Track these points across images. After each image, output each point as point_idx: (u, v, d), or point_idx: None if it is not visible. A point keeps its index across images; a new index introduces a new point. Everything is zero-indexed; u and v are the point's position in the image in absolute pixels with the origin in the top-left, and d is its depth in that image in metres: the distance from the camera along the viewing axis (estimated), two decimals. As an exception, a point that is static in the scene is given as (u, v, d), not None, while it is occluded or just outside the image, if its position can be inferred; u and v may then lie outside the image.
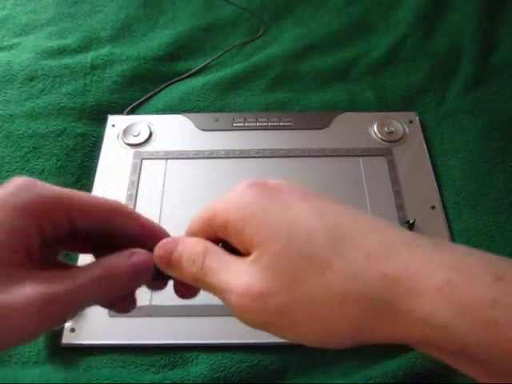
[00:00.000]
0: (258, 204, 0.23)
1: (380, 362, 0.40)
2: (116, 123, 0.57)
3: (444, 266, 0.19)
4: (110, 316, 0.43)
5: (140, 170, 0.52)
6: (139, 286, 0.25)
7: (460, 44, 0.66)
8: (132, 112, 0.60)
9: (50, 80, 0.61)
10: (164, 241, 0.25)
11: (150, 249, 0.25)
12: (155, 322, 0.42)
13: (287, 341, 0.22)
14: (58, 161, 0.53)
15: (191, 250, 0.24)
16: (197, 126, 0.56)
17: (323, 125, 0.56)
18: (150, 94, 0.62)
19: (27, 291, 0.20)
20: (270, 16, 0.72)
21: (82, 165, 0.53)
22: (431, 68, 0.64)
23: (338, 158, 0.53)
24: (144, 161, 0.53)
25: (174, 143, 0.55)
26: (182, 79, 0.64)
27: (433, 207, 0.49)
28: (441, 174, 0.53)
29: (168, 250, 0.25)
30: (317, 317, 0.20)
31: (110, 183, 0.51)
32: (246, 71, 0.63)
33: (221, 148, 0.54)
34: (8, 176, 0.52)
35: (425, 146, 0.55)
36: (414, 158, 0.53)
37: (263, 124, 0.56)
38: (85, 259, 0.25)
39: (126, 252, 0.24)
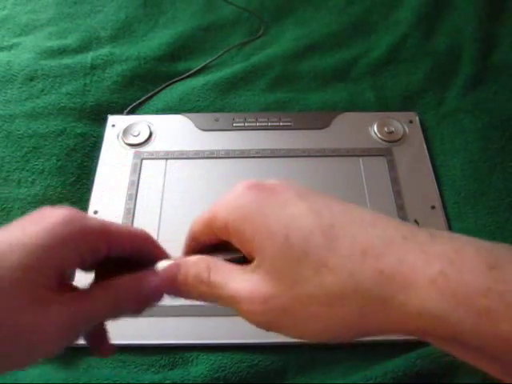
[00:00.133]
0: (256, 204, 0.23)
1: (380, 362, 0.40)
2: (116, 123, 0.57)
3: (439, 257, 0.19)
4: (110, 316, 0.43)
5: (140, 170, 0.52)
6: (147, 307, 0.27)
7: (460, 44, 0.66)
8: (132, 112, 0.60)
9: (50, 80, 0.61)
10: (166, 266, 0.26)
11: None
12: (155, 321, 0.42)
13: (288, 340, 0.22)
14: (58, 161, 0.53)
15: (195, 270, 0.25)
16: (197, 126, 0.56)
17: (323, 125, 0.56)
18: (150, 94, 0.62)
19: (54, 312, 0.23)
20: (269, 16, 0.72)
21: (81, 165, 0.53)
22: (431, 68, 0.64)
23: (338, 158, 0.53)
24: (144, 161, 0.53)
25: (174, 143, 0.55)
26: (182, 79, 0.64)
27: (433, 207, 0.49)
28: (441, 174, 0.53)
29: (172, 275, 0.25)
30: (316, 314, 0.21)
31: (109, 183, 0.51)
32: (246, 71, 0.63)
33: (221, 148, 0.54)
34: (8, 176, 0.52)
35: (425, 146, 0.55)
36: (414, 158, 0.53)
37: (263, 124, 0.56)
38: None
39: (138, 277, 0.26)
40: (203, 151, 0.54)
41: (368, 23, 0.71)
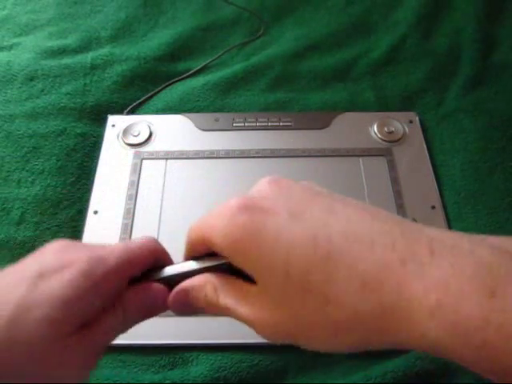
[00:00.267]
0: (250, 233, 0.23)
1: (380, 362, 0.40)
2: (116, 123, 0.57)
3: (437, 285, 0.19)
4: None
5: (140, 170, 0.52)
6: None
7: (460, 44, 0.66)
8: (132, 112, 0.60)
9: (50, 80, 0.61)
10: (175, 293, 0.27)
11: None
12: (155, 321, 0.42)
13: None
14: (58, 161, 0.53)
15: (203, 295, 0.25)
16: (197, 126, 0.56)
17: (323, 125, 0.56)
18: (150, 94, 0.62)
19: (79, 355, 0.24)
20: (269, 16, 0.72)
21: (81, 165, 0.53)
22: (431, 68, 0.64)
23: (338, 158, 0.53)
24: (144, 161, 0.53)
25: (174, 143, 0.55)
26: (182, 79, 0.64)
27: (433, 207, 0.49)
28: (441, 174, 0.53)
29: (182, 301, 0.27)
30: (323, 339, 0.22)
31: (109, 183, 0.51)
32: (246, 71, 0.63)
33: (221, 148, 0.54)
34: (8, 176, 0.52)
35: (425, 146, 0.55)
36: (414, 157, 0.53)
37: (263, 124, 0.56)
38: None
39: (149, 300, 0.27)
40: (203, 151, 0.54)
41: (368, 23, 0.71)
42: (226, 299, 0.24)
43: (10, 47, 0.67)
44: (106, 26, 0.70)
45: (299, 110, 0.60)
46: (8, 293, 0.24)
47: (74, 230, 0.48)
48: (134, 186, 0.51)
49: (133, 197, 0.50)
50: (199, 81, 0.63)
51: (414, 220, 0.47)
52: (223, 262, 0.26)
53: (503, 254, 0.20)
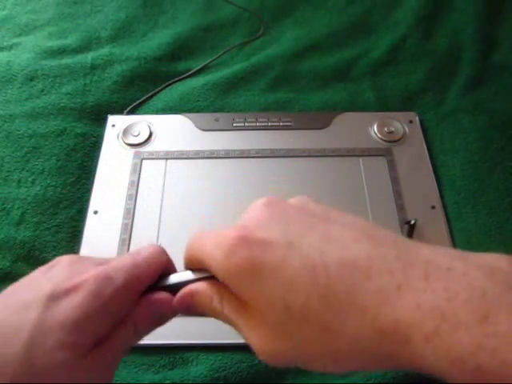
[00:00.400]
0: (250, 269, 0.23)
1: (380, 362, 0.40)
2: (116, 123, 0.57)
3: (432, 312, 0.19)
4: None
5: (140, 170, 0.52)
6: None
7: (460, 44, 0.66)
8: (132, 112, 0.60)
9: (50, 80, 0.61)
10: (181, 296, 0.27)
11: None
12: (155, 321, 0.42)
13: None
14: (58, 161, 0.53)
15: (209, 298, 0.26)
16: (197, 126, 0.56)
17: (323, 125, 0.56)
18: (149, 94, 0.62)
19: (95, 373, 0.25)
20: (269, 16, 0.72)
21: (81, 165, 0.53)
22: (431, 68, 0.64)
23: (338, 158, 0.53)
24: (144, 161, 0.53)
25: (174, 143, 0.55)
26: (182, 79, 0.64)
27: (433, 207, 0.49)
28: (441, 173, 0.53)
29: (187, 303, 0.27)
30: (325, 366, 0.23)
31: (110, 183, 0.51)
32: (246, 71, 0.63)
33: (221, 148, 0.54)
34: (8, 176, 0.52)
35: (425, 146, 0.55)
36: (414, 157, 0.53)
37: (263, 124, 0.56)
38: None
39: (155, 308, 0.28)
40: (203, 151, 0.54)
41: (368, 23, 0.71)
42: (229, 312, 0.25)
43: (10, 47, 0.67)
44: (105, 26, 0.70)
45: (299, 109, 0.60)
46: (23, 315, 0.24)
47: (74, 229, 0.48)
48: (134, 186, 0.51)
49: (133, 197, 0.50)
50: (199, 81, 0.63)
51: (415, 221, 0.47)
52: None
53: (496, 275, 0.20)
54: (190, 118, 0.57)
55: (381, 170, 0.52)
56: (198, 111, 0.59)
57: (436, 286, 0.20)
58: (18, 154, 0.54)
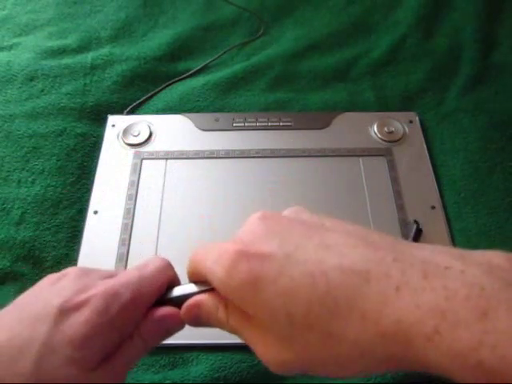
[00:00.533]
0: (250, 282, 0.23)
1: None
2: (116, 123, 0.57)
3: (432, 311, 0.20)
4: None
5: (140, 170, 0.52)
6: None
7: (460, 44, 0.66)
8: (132, 112, 0.60)
9: (50, 80, 0.61)
10: (186, 308, 0.28)
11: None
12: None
13: None
14: (58, 161, 0.53)
15: (215, 309, 0.27)
16: (197, 126, 0.56)
17: (323, 125, 0.56)
18: (149, 94, 0.62)
19: None
20: (269, 16, 0.72)
21: (81, 165, 0.53)
22: (431, 68, 0.64)
23: (338, 158, 0.53)
24: (144, 161, 0.53)
25: (174, 143, 0.55)
26: (182, 79, 0.64)
27: (433, 207, 0.49)
28: (441, 174, 0.53)
29: (194, 314, 0.28)
30: (330, 372, 0.23)
31: (110, 183, 0.51)
32: (246, 71, 0.63)
33: (221, 148, 0.54)
34: (8, 176, 0.52)
35: (425, 146, 0.55)
36: (414, 158, 0.53)
37: (263, 124, 0.56)
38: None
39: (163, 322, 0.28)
40: (203, 151, 0.54)
41: (368, 23, 0.71)
42: (235, 322, 0.26)
43: (10, 47, 0.67)
44: (105, 26, 0.70)
45: (299, 109, 0.60)
46: (33, 329, 0.25)
47: (74, 229, 0.48)
48: (134, 186, 0.51)
49: (133, 197, 0.50)
50: (199, 81, 0.63)
51: (415, 221, 0.47)
52: None
53: (494, 272, 0.20)
54: (189, 118, 0.57)
55: (381, 170, 0.52)
56: (198, 111, 0.59)
57: (435, 285, 0.20)
58: (18, 153, 0.54)
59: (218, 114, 0.58)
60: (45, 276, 0.45)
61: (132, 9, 0.73)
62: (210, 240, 0.46)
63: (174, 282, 0.30)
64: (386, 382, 0.38)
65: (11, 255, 0.46)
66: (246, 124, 0.56)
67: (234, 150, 0.54)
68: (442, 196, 0.51)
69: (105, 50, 0.65)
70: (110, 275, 0.29)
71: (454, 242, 0.47)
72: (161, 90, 0.62)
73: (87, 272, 0.29)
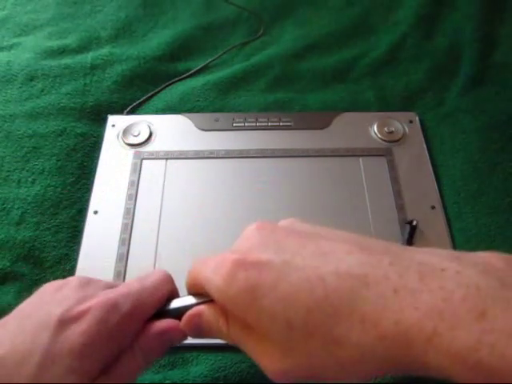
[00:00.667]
0: (248, 291, 0.23)
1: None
2: (116, 123, 0.57)
3: (430, 312, 0.20)
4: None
5: (140, 170, 0.52)
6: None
7: (460, 44, 0.66)
8: (132, 112, 0.60)
9: (50, 80, 0.61)
10: (187, 319, 0.28)
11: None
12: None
13: None
14: (58, 161, 0.53)
15: (215, 322, 0.27)
16: (197, 126, 0.56)
17: (323, 125, 0.56)
18: (149, 94, 0.62)
19: None
20: (269, 16, 0.72)
21: (81, 165, 0.53)
22: (431, 68, 0.64)
23: (338, 158, 0.53)
24: (144, 161, 0.53)
25: (174, 143, 0.55)
26: (182, 79, 0.64)
27: (433, 207, 0.49)
28: (441, 174, 0.53)
29: (195, 323, 0.28)
30: (333, 377, 0.23)
31: (110, 183, 0.51)
32: (246, 71, 0.63)
33: (221, 148, 0.54)
34: (8, 176, 0.52)
35: (425, 146, 0.55)
36: (414, 158, 0.53)
37: (263, 124, 0.56)
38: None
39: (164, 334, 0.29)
40: (203, 151, 0.54)
41: (368, 23, 0.71)
42: (235, 333, 0.26)
43: (10, 47, 0.67)
44: (105, 26, 0.70)
45: (299, 109, 0.60)
46: (34, 339, 0.25)
47: (74, 229, 0.48)
48: (134, 186, 0.51)
49: (133, 197, 0.50)
50: (199, 81, 0.63)
51: (409, 222, 0.47)
52: None
53: (490, 272, 0.20)
54: (189, 118, 0.57)
55: (381, 170, 0.52)
56: (198, 111, 0.59)
57: (432, 286, 0.20)
58: (18, 153, 0.54)
59: (217, 114, 0.58)
60: (45, 276, 0.46)
61: (132, 9, 0.73)
62: (210, 240, 0.46)
63: (174, 295, 0.30)
64: (386, 382, 0.38)
65: (11, 255, 0.46)
66: (246, 124, 0.56)
67: (234, 150, 0.54)
68: (442, 196, 0.51)
69: (105, 50, 0.65)
70: (111, 286, 0.29)
71: (454, 242, 0.47)
72: (161, 90, 0.62)
73: (88, 282, 0.29)
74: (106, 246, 0.46)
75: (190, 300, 0.28)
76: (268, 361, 0.24)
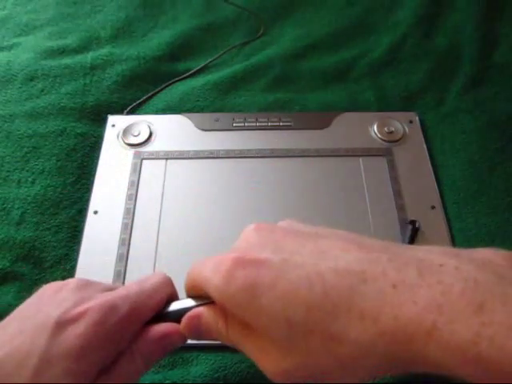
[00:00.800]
0: (248, 290, 0.24)
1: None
2: (116, 123, 0.57)
3: (429, 306, 0.20)
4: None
5: (140, 170, 0.52)
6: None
7: (460, 44, 0.66)
8: (132, 112, 0.60)
9: (50, 80, 0.61)
10: (186, 321, 0.28)
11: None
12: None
13: None
14: (58, 161, 0.53)
15: (214, 323, 0.27)
16: (197, 126, 0.56)
17: (323, 125, 0.56)
18: (149, 94, 0.62)
19: None
20: (269, 16, 0.72)
21: (81, 165, 0.53)
22: (431, 68, 0.64)
23: (338, 158, 0.53)
24: (144, 161, 0.53)
25: (174, 143, 0.55)
26: (182, 79, 0.64)
27: (433, 207, 0.49)
28: (441, 174, 0.53)
29: (194, 325, 0.28)
30: (334, 376, 0.23)
31: (110, 183, 0.51)
32: (246, 71, 0.63)
33: (221, 148, 0.54)
34: (8, 176, 0.52)
35: (425, 146, 0.55)
36: (414, 158, 0.53)
37: (263, 124, 0.56)
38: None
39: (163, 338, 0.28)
40: (203, 151, 0.54)
41: (368, 23, 0.71)
42: (235, 335, 0.26)
43: (10, 47, 0.67)
44: (105, 26, 0.70)
45: (299, 109, 0.59)
46: (31, 342, 0.25)
47: (74, 229, 0.48)
48: (134, 186, 0.51)
49: (133, 197, 0.50)
50: (199, 81, 0.63)
51: (411, 221, 0.47)
52: None
53: (487, 267, 0.21)
54: (189, 118, 0.57)
55: (381, 170, 0.52)
56: (198, 111, 0.59)
57: (430, 281, 0.20)
58: (18, 153, 0.54)
59: (217, 114, 0.58)
60: (44, 276, 0.46)
61: (132, 9, 0.73)
62: (210, 240, 0.46)
63: (174, 298, 0.30)
64: (386, 382, 0.38)
65: (11, 255, 0.46)
66: (245, 124, 0.56)
67: (234, 150, 0.54)
68: (442, 196, 0.51)
69: (105, 50, 0.65)
70: (109, 288, 0.29)
71: (454, 242, 0.47)
72: (161, 90, 0.62)
73: (87, 284, 0.29)
74: (106, 245, 0.46)
75: (190, 302, 0.28)
76: (267, 361, 0.24)
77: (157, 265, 0.45)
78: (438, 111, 0.59)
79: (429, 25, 0.69)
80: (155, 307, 0.29)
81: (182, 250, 0.46)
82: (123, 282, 0.44)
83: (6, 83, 0.61)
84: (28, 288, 0.44)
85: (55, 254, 0.47)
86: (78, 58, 0.64)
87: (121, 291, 0.28)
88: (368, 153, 0.53)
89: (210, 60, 0.66)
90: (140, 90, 0.62)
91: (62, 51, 0.66)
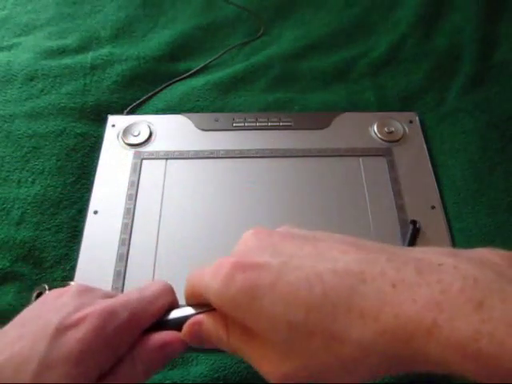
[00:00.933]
0: (247, 293, 0.24)
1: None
2: (116, 123, 0.57)
3: (429, 305, 0.20)
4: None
5: (140, 170, 0.52)
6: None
7: (460, 44, 0.66)
8: (132, 112, 0.60)
9: (50, 80, 0.61)
10: (187, 329, 0.28)
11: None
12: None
13: None
14: (57, 161, 0.53)
15: (214, 331, 0.27)
16: (197, 126, 0.56)
17: (323, 125, 0.56)
18: (150, 94, 0.62)
19: None
20: (269, 16, 0.72)
21: (81, 165, 0.53)
22: (431, 68, 0.64)
23: (338, 158, 0.53)
24: (144, 161, 0.53)
25: (174, 143, 0.55)
26: (182, 79, 0.64)
27: (433, 207, 0.49)
28: (441, 174, 0.53)
29: (195, 332, 0.28)
30: (335, 377, 0.23)
31: (109, 183, 0.51)
32: (246, 71, 0.63)
33: (221, 148, 0.54)
34: (8, 176, 0.52)
35: (425, 146, 0.55)
36: (414, 158, 0.53)
37: (263, 124, 0.56)
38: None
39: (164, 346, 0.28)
40: (203, 151, 0.54)
41: (368, 23, 0.71)
42: (235, 341, 0.26)
43: (10, 47, 0.67)
44: (105, 26, 0.70)
45: (299, 109, 0.59)
46: (31, 347, 0.25)
47: (74, 229, 0.48)
48: (134, 186, 0.51)
49: (133, 197, 0.50)
50: (199, 81, 0.63)
51: (413, 221, 0.47)
52: None
53: (486, 265, 0.21)
54: (189, 118, 0.57)
55: (381, 170, 0.52)
56: (198, 111, 0.59)
57: (429, 280, 0.21)
58: (18, 153, 0.54)
59: (217, 114, 0.58)
60: (44, 276, 0.46)
61: (132, 9, 0.73)
62: (210, 240, 0.46)
63: (174, 306, 0.30)
64: (386, 382, 0.38)
65: (11, 255, 0.46)
66: (245, 124, 0.56)
67: (234, 150, 0.54)
68: (442, 196, 0.51)
69: (105, 50, 0.65)
70: (110, 295, 0.29)
71: (454, 242, 0.47)
72: (161, 90, 0.62)
73: (88, 290, 0.29)
74: (106, 246, 0.46)
75: (190, 310, 0.28)
76: (268, 365, 0.24)
77: (157, 265, 0.45)
78: (437, 111, 0.59)
79: (429, 25, 0.69)
80: (155, 314, 0.29)
81: (182, 249, 0.46)
82: (123, 282, 0.44)
83: (6, 83, 0.61)
84: (28, 288, 0.44)
85: (55, 253, 0.47)
86: (78, 58, 0.64)
87: (121, 298, 0.28)
88: (368, 153, 0.53)
89: (210, 60, 0.66)
90: (140, 90, 0.62)
91: (62, 51, 0.66)
